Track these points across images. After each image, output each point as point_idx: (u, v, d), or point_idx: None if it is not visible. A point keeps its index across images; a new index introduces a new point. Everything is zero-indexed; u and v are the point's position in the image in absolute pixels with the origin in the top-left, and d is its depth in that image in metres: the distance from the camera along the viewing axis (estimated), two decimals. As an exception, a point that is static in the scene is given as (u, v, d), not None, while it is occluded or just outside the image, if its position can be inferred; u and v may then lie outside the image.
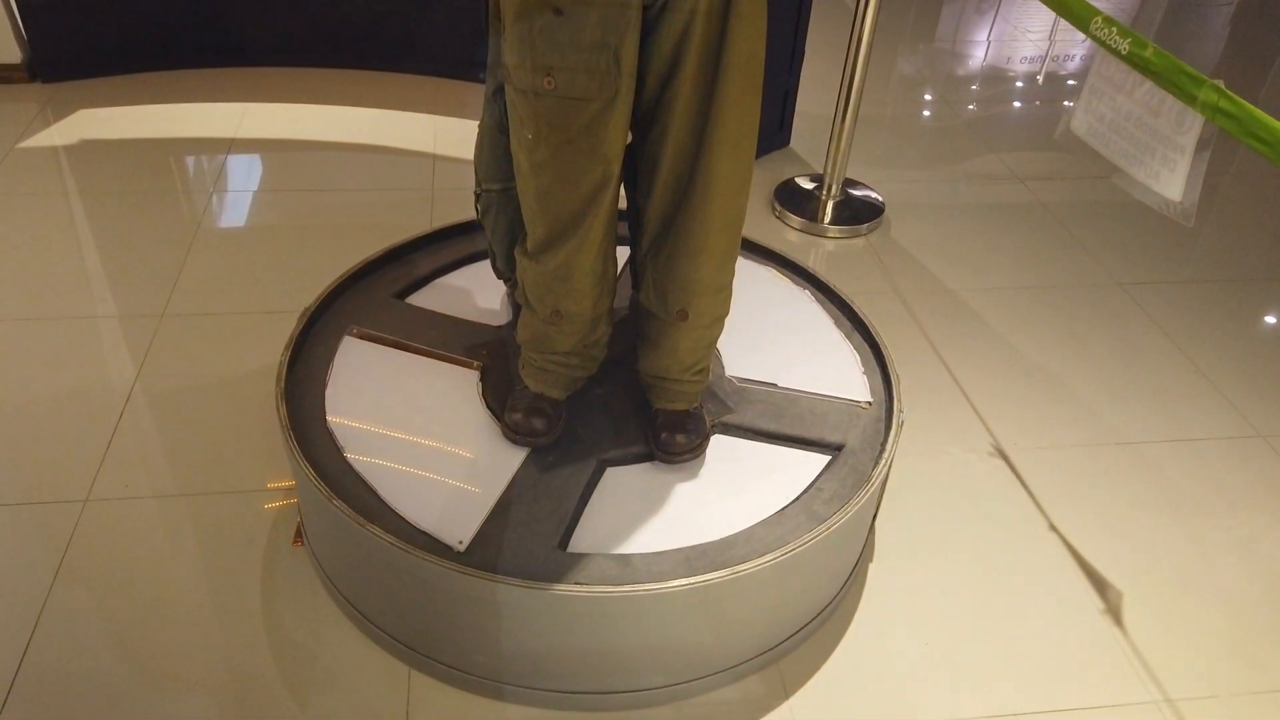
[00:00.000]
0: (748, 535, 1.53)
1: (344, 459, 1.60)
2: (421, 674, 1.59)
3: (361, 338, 1.87)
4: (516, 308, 1.85)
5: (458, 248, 2.14)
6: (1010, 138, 3.55)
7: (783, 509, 1.58)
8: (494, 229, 1.73)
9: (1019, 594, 1.78)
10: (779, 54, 3.03)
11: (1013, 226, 2.96)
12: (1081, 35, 1.93)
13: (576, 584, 1.41)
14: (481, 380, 1.79)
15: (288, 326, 1.85)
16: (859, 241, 2.85)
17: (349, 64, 3.67)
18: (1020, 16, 4.82)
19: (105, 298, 2.38)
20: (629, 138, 1.44)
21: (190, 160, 3.04)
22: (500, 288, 2.00)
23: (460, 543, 1.47)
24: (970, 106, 3.82)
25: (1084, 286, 2.68)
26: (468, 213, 1.95)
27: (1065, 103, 3.93)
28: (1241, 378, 2.36)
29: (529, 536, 1.50)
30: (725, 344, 1.87)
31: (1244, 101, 1.50)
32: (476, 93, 3.52)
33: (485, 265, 1.99)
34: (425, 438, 1.66)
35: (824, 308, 2.05)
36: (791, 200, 2.96)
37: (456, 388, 1.78)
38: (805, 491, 1.62)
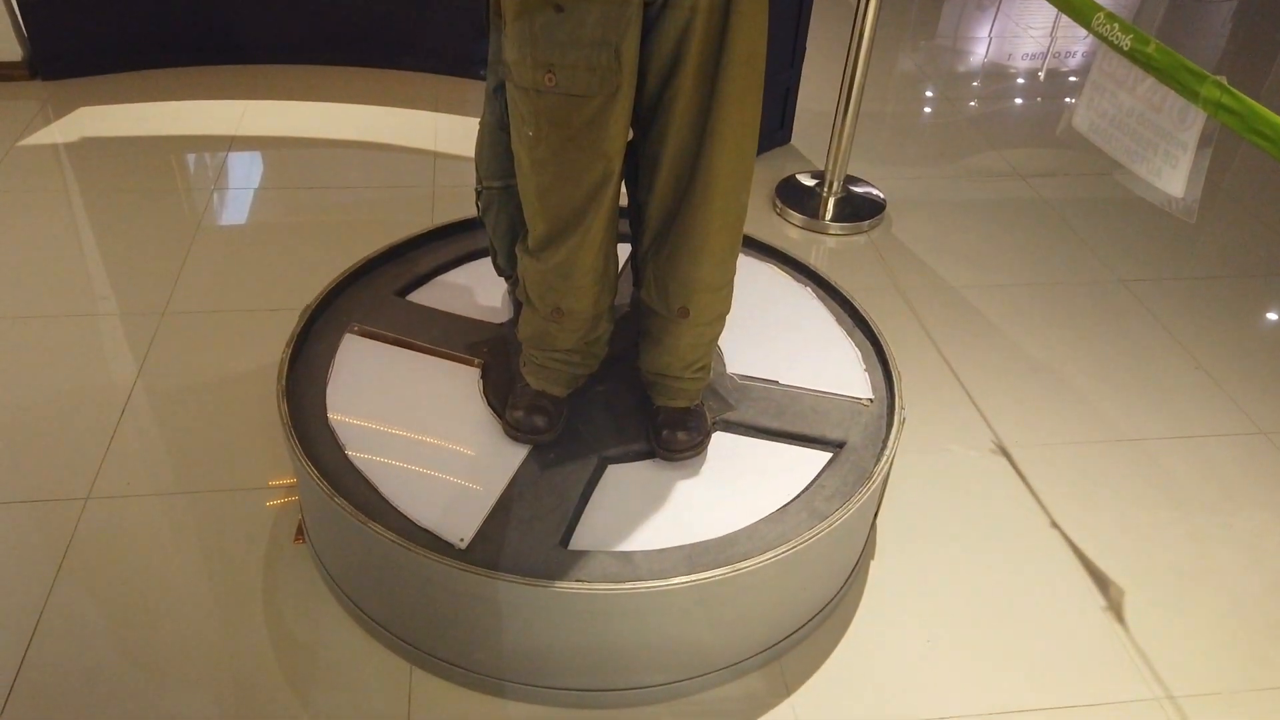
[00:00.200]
0: (749, 532, 1.53)
1: (345, 456, 1.60)
2: (423, 671, 1.59)
3: (362, 335, 1.87)
4: (517, 305, 1.85)
5: (458, 245, 2.14)
6: (1012, 134, 3.54)
7: (784, 506, 1.58)
8: (495, 226, 1.73)
9: (1020, 591, 1.78)
10: (780, 51, 3.02)
11: (1014, 223, 2.95)
12: (1083, 31, 1.93)
13: (578, 581, 1.41)
14: (482, 378, 1.79)
15: (289, 324, 1.85)
16: (860, 238, 2.85)
17: (349, 61, 3.67)
18: (1022, 13, 4.81)
19: (106, 295, 2.38)
20: (630, 135, 1.43)
21: (191, 158, 3.04)
22: (501, 285, 2.00)
23: (461, 540, 1.47)
24: (972, 103, 3.81)
25: (1086, 283, 2.68)
26: (469, 210, 1.95)
27: (1067, 99, 3.92)
28: (1243, 374, 2.36)
29: (530, 534, 1.49)
30: (727, 341, 1.87)
31: (1246, 97, 1.49)
32: (477, 89, 3.51)
33: (486, 262, 1.98)
34: (426, 435, 1.66)
35: (825, 305, 2.05)
36: (793, 197, 2.95)
37: (458, 385, 1.78)
38: (807, 489, 1.62)
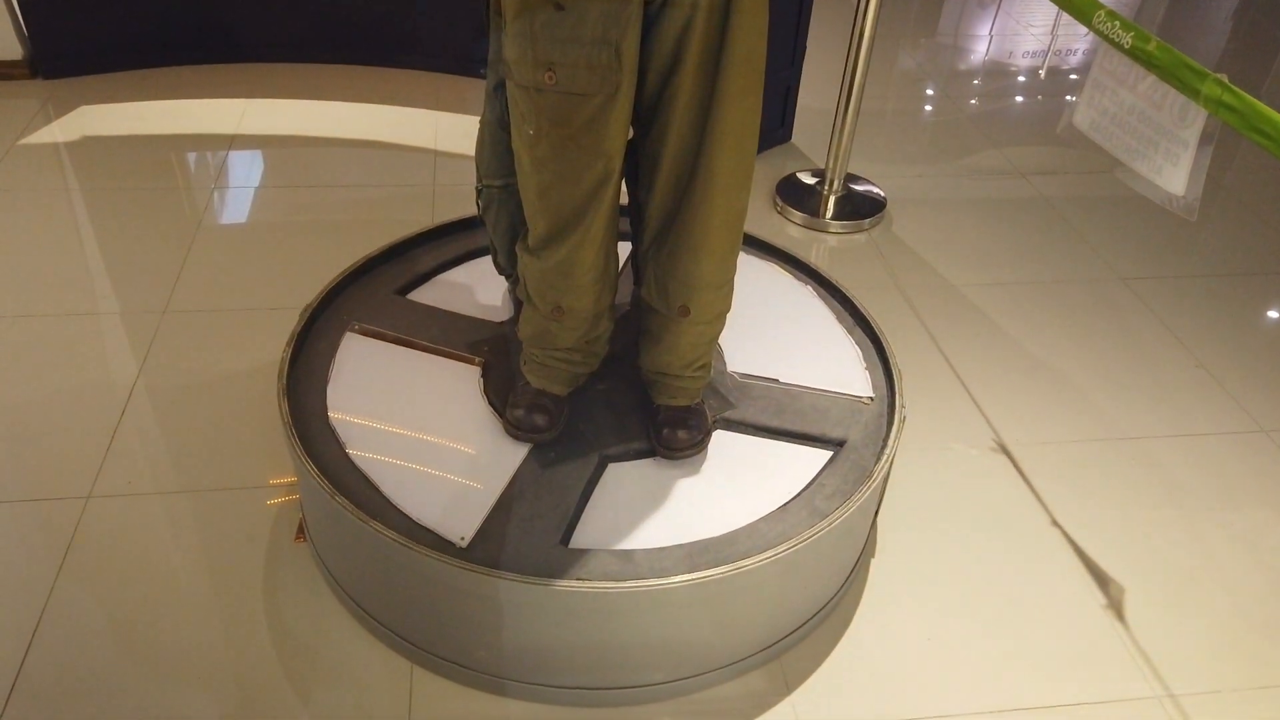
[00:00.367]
0: (750, 531, 1.53)
1: (346, 455, 1.60)
2: (424, 669, 1.59)
3: (363, 334, 1.87)
4: (518, 304, 1.85)
5: (459, 244, 2.14)
6: (1012, 132, 3.54)
7: (785, 505, 1.58)
8: (495, 225, 1.73)
9: (1021, 589, 1.78)
10: (780, 49, 3.02)
11: (1015, 221, 2.95)
12: (1084, 29, 1.93)
13: (578, 580, 1.41)
14: (483, 376, 1.79)
15: (289, 323, 1.85)
16: (861, 237, 2.85)
17: (350, 60, 3.67)
18: (1022, 10, 4.81)
19: (107, 294, 2.38)
20: (630, 133, 1.43)
21: (192, 156, 3.04)
22: (502, 283, 2.00)
23: (462, 539, 1.47)
24: (972, 101, 3.81)
25: (1086, 281, 2.68)
26: (469, 208, 1.95)
27: (1068, 97, 3.92)
28: (1244, 373, 2.36)
29: (531, 532, 1.50)
30: (727, 339, 1.87)
31: (1247, 95, 1.49)
32: (478, 88, 3.51)
33: (487, 261, 1.98)
34: (427, 434, 1.66)
35: (826, 303, 2.05)
36: (793, 196, 2.95)
37: (458, 384, 1.78)
38: (807, 487, 1.62)
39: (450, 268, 2.09)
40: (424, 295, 2.00)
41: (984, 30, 4.60)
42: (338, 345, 1.83)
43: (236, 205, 2.80)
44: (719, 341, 1.81)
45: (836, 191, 2.94)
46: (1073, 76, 4.14)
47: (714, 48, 1.32)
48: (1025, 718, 1.58)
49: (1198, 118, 1.62)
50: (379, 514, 1.49)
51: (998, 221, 2.95)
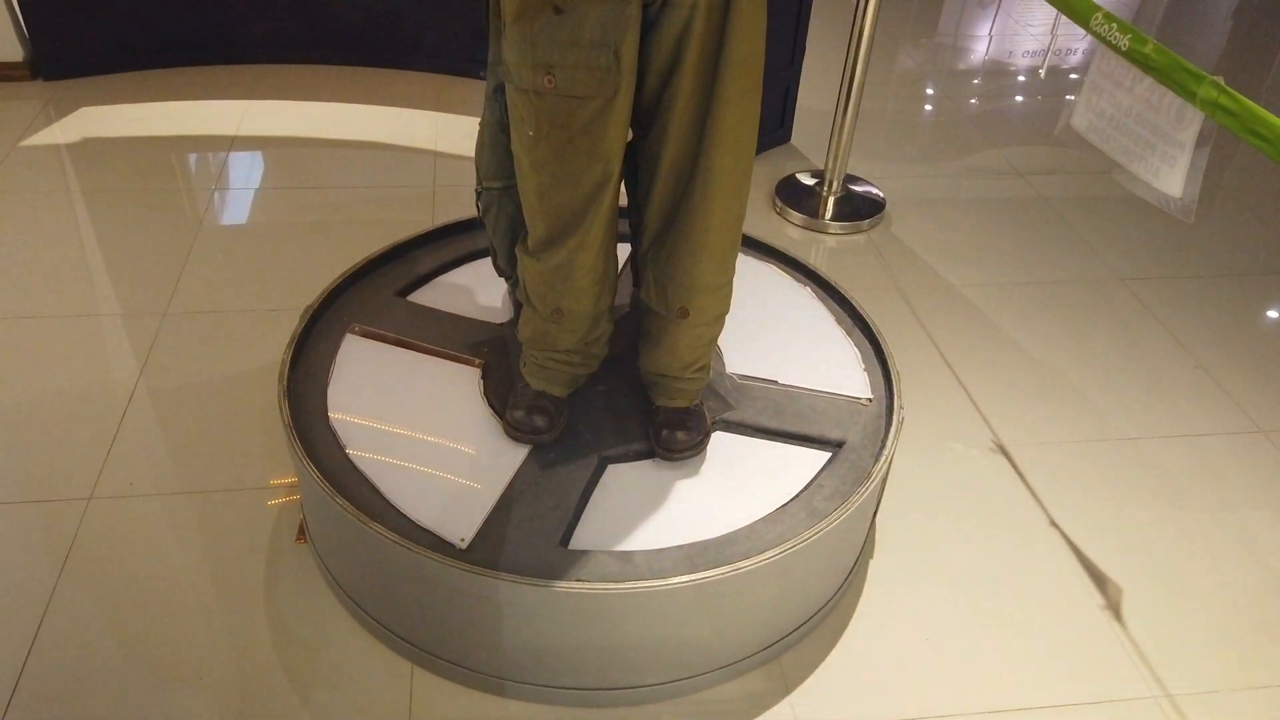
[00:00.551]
0: (748, 532, 1.53)
1: (346, 457, 1.61)
2: (424, 670, 1.59)
3: (363, 335, 1.87)
4: (518, 305, 1.86)
5: (459, 245, 2.15)
6: (1012, 133, 3.55)
7: (783, 505, 1.59)
8: (495, 227, 1.74)
9: (1019, 589, 1.79)
10: (780, 49, 3.02)
11: (1014, 222, 2.96)
12: (1083, 30, 1.93)
13: (578, 581, 1.41)
14: (483, 378, 1.79)
15: (290, 324, 1.86)
16: (860, 238, 2.85)
17: (350, 61, 3.67)
18: (1022, 11, 4.81)
19: (108, 296, 2.39)
20: (629, 136, 1.44)
21: (192, 158, 3.04)
22: (501, 285, 2.01)
23: (462, 540, 1.48)
24: (972, 101, 3.81)
25: (1085, 282, 2.68)
26: (469, 210, 1.95)
27: (1067, 97, 3.92)
28: (1242, 373, 2.36)
29: (531, 534, 1.50)
30: (726, 341, 1.88)
31: (1243, 98, 1.50)
32: (478, 89, 3.52)
33: (486, 263, 1.99)
34: (427, 435, 1.67)
35: (825, 304, 2.05)
36: (793, 196, 2.96)
37: (458, 385, 1.78)
38: (806, 488, 1.62)
39: (450, 269, 2.10)
40: (424, 297, 2.01)
41: (983, 30, 4.61)
42: (338, 347, 1.84)
43: (237, 206, 2.81)
44: (718, 343, 1.81)
45: (835, 192, 2.95)
46: (1072, 76, 4.15)
47: (712, 50, 1.33)
48: (1023, 718, 1.58)
49: (1194, 120, 1.62)
50: (379, 515, 1.50)
51: (997, 222, 2.95)
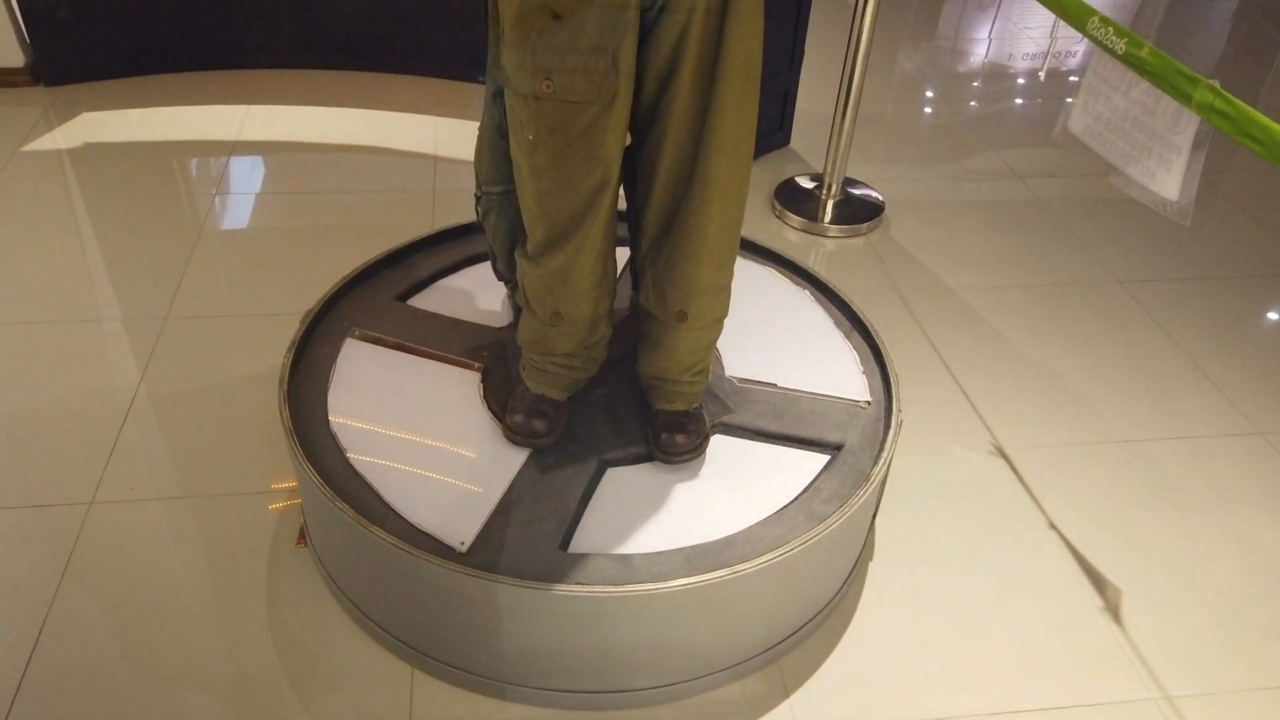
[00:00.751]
0: (747, 535, 1.54)
1: (346, 460, 1.61)
2: (424, 674, 1.60)
3: (363, 340, 1.88)
4: (517, 309, 1.86)
5: (459, 250, 2.15)
6: (1011, 135, 3.55)
7: (782, 508, 1.59)
8: (494, 231, 1.74)
9: (1018, 592, 1.79)
10: (778, 53, 3.03)
11: (1013, 224, 2.96)
12: (1080, 34, 1.94)
13: (577, 584, 1.42)
14: (483, 382, 1.80)
15: (290, 328, 1.86)
16: (859, 241, 2.86)
17: (350, 66, 3.68)
18: (1021, 14, 4.82)
19: (110, 300, 2.40)
20: (628, 140, 1.45)
21: (193, 163, 3.05)
22: (501, 289, 2.01)
23: (462, 544, 1.48)
24: (971, 104, 3.82)
25: (1084, 284, 2.69)
26: (469, 214, 1.96)
27: (1066, 100, 3.93)
28: (1241, 375, 2.37)
29: (530, 537, 1.51)
30: (725, 344, 1.88)
31: (1239, 101, 1.50)
32: (477, 94, 3.53)
33: (486, 267, 2.00)
34: (427, 439, 1.67)
35: (824, 307, 2.06)
36: (792, 200, 2.96)
37: (458, 389, 1.79)
38: (805, 491, 1.63)
39: (450, 274, 2.10)
40: (424, 301, 2.01)
41: (982, 34, 4.62)
42: (338, 351, 1.84)
43: (238, 211, 2.82)
44: (717, 346, 1.82)
45: (834, 196, 2.95)
46: (1071, 79, 4.15)
47: (710, 55, 1.34)
48: (1022, 720, 1.59)
49: (1190, 123, 1.63)
50: (379, 519, 1.50)
51: (996, 225, 2.96)
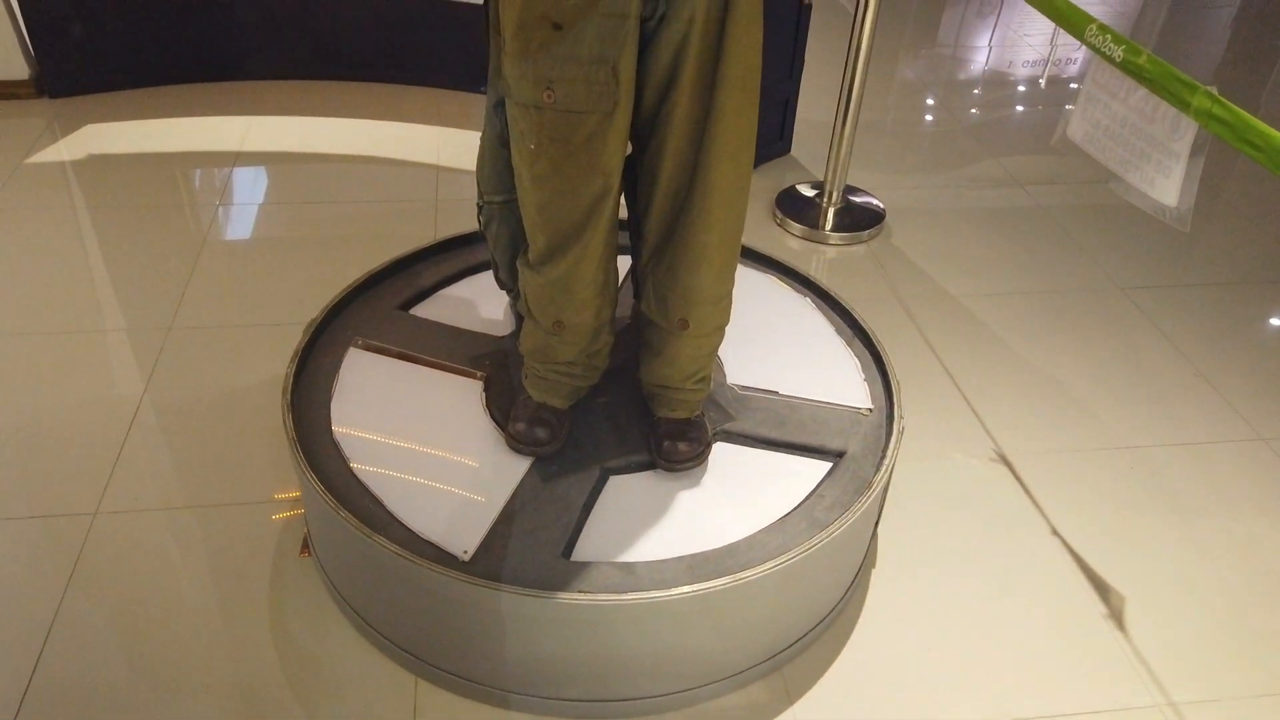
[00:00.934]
0: (750, 542, 1.54)
1: (350, 470, 1.62)
2: (427, 682, 1.60)
3: (366, 349, 1.89)
4: (519, 318, 1.87)
5: (461, 259, 2.16)
6: (1011, 142, 3.56)
7: (785, 516, 1.59)
8: (496, 240, 1.75)
9: (1021, 599, 1.79)
10: (779, 62, 3.04)
11: (1014, 231, 2.97)
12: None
13: (580, 592, 1.42)
14: (485, 390, 1.80)
15: (294, 338, 1.87)
16: (860, 248, 2.86)
17: (352, 77, 3.70)
18: (1021, 21, 4.84)
19: (114, 311, 2.41)
20: (629, 149, 1.45)
21: (197, 174, 3.06)
22: (503, 298, 2.02)
23: (465, 552, 1.49)
24: (971, 112, 3.83)
25: (1085, 291, 2.69)
26: (471, 223, 1.97)
27: (1066, 106, 3.94)
28: (1242, 381, 2.37)
29: (533, 545, 1.51)
30: (727, 352, 1.89)
31: (1237, 108, 1.51)
32: (479, 104, 3.54)
33: (488, 275, 2.00)
34: (430, 448, 1.68)
35: (825, 315, 2.06)
36: (793, 208, 2.97)
37: (461, 398, 1.79)
38: (807, 498, 1.63)
39: (452, 283, 2.11)
40: (426, 310, 2.02)
41: (983, 41, 4.63)
42: (341, 360, 1.85)
43: (241, 222, 2.83)
44: (719, 354, 1.82)
45: (835, 203, 2.96)
46: (1072, 86, 4.16)
47: (710, 64, 1.34)
48: (1026, 727, 1.58)
49: (1189, 130, 1.63)
50: (382, 528, 1.50)
51: (997, 232, 2.96)
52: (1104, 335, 2.51)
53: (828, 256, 2.83)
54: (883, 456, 1.70)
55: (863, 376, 1.89)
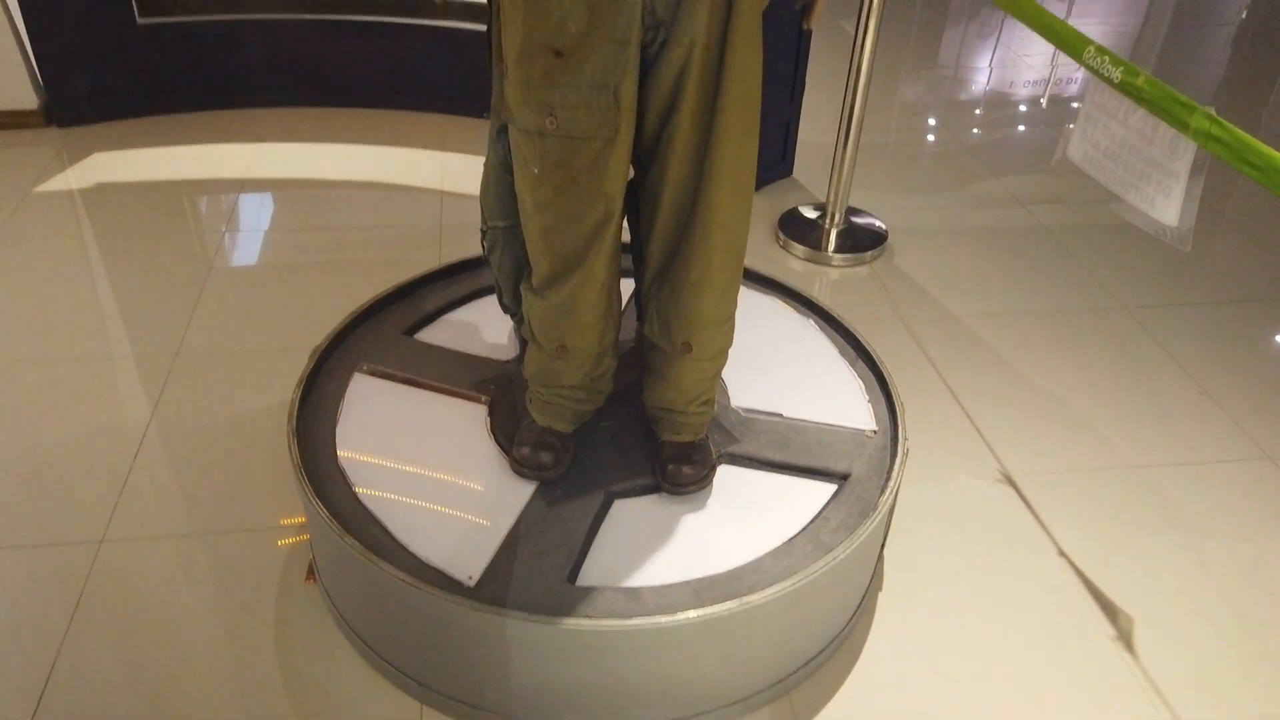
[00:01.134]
0: (756, 566, 1.53)
1: (354, 495, 1.62)
2: (433, 709, 1.59)
3: (371, 374, 1.89)
4: (523, 342, 1.88)
5: (465, 283, 2.17)
6: (1012, 162, 3.57)
7: (790, 539, 1.59)
8: (500, 265, 1.76)
9: (1029, 620, 1.78)
10: (780, 85, 3.06)
11: (1016, 251, 2.97)
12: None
13: (585, 618, 1.42)
14: (490, 415, 1.81)
15: (299, 363, 1.88)
16: (863, 269, 2.87)
17: (357, 103, 3.73)
18: (1021, 42, 4.87)
19: (121, 338, 2.42)
20: (631, 174, 1.46)
21: (203, 200, 3.09)
22: (507, 322, 2.03)
23: (470, 578, 1.48)
24: (972, 132, 3.85)
25: (1088, 310, 2.69)
26: (475, 248, 1.98)
27: (1068, 126, 3.95)
28: (1248, 399, 2.36)
29: (538, 570, 1.51)
30: (730, 374, 1.89)
31: (1235, 128, 1.52)
32: (483, 129, 3.56)
33: (492, 300, 2.01)
34: (435, 473, 1.68)
35: (828, 337, 2.07)
36: (796, 229, 2.98)
37: (465, 423, 1.80)
38: (812, 521, 1.63)
39: (457, 307, 2.12)
40: (431, 335, 2.03)
41: (983, 62, 4.66)
42: (347, 386, 1.86)
43: (247, 248, 2.85)
44: (722, 376, 1.82)
45: (838, 225, 2.97)
46: (1073, 105, 4.18)
47: (710, 89, 1.35)
48: (1036, 750, 1.57)
49: (1188, 150, 1.64)
50: (387, 554, 1.50)
51: (999, 252, 2.97)
52: (1108, 354, 2.51)
53: (831, 278, 2.84)
54: (887, 478, 1.69)
55: (867, 398, 1.89)
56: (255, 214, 3.02)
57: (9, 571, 1.79)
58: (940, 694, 1.65)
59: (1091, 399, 2.35)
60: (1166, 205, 1.68)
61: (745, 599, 1.44)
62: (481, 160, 1.70)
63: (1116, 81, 1.76)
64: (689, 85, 1.34)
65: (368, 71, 3.66)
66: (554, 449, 1.67)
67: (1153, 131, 1.71)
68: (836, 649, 1.71)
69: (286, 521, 1.91)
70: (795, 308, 2.16)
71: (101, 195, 3.08)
